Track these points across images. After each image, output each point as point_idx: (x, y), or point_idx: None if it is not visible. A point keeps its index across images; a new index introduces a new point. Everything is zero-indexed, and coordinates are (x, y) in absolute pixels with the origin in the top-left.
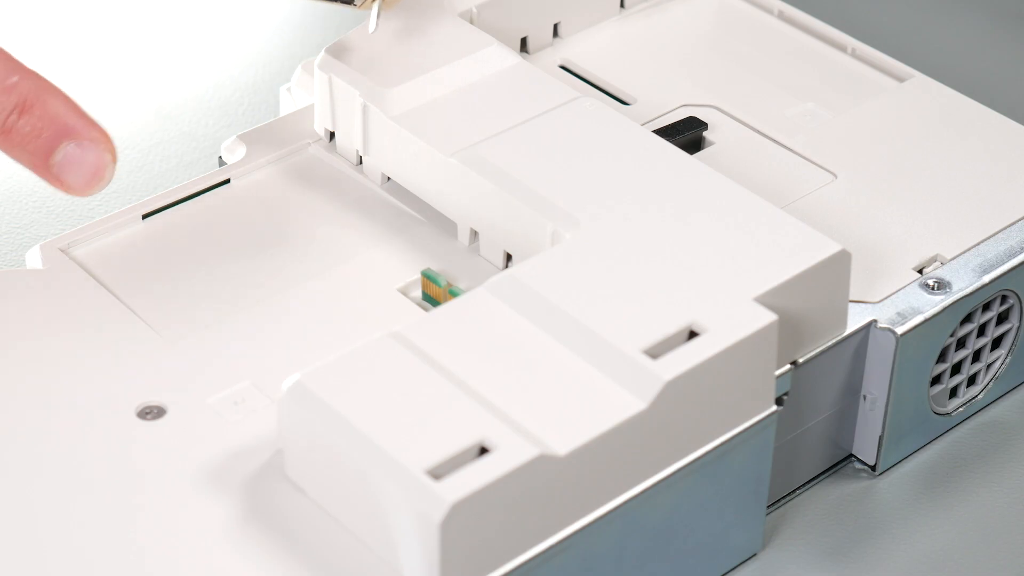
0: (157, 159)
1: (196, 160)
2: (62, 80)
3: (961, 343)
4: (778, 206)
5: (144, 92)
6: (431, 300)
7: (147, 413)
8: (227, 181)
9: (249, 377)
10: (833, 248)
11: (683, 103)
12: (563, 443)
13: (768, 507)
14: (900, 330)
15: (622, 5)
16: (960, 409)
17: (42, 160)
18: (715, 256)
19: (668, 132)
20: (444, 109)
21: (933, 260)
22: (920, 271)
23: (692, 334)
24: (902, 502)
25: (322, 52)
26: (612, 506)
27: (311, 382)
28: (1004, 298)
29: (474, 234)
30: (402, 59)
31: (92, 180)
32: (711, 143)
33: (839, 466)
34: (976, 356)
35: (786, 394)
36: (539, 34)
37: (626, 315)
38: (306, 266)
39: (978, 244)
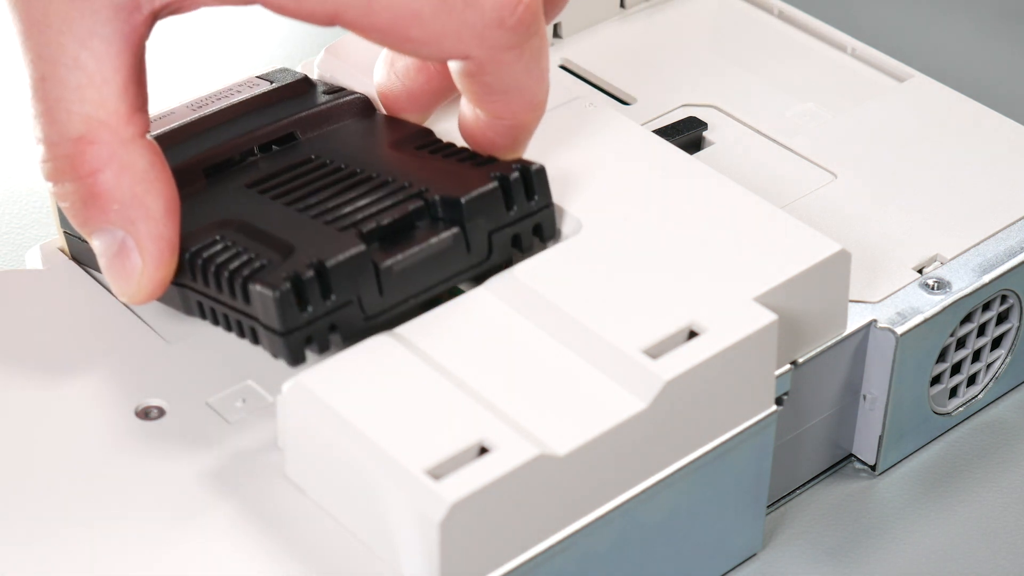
0: None
1: None
2: None
3: (961, 343)
4: (778, 206)
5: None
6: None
7: (147, 413)
8: None
9: (249, 377)
10: (833, 248)
11: (683, 103)
12: (563, 443)
13: (768, 507)
14: (900, 330)
15: (622, 5)
16: (960, 409)
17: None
18: (715, 256)
19: (668, 132)
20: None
21: (933, 260)
22: (920, 271)
23: (692, 334)
24: (902, 502)
25: (322, 52)
26: (612, 506)
27: (311, 382)
28: (1004, 298)
29: None
30: None
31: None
32: (711, 143)
33: (839, 466)
34: (976, 356)
35: (786, 394)
36: None
37: (626, 315)
38: None
39: (978, 244)
